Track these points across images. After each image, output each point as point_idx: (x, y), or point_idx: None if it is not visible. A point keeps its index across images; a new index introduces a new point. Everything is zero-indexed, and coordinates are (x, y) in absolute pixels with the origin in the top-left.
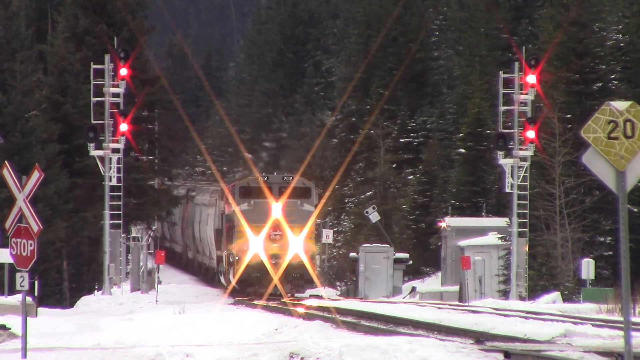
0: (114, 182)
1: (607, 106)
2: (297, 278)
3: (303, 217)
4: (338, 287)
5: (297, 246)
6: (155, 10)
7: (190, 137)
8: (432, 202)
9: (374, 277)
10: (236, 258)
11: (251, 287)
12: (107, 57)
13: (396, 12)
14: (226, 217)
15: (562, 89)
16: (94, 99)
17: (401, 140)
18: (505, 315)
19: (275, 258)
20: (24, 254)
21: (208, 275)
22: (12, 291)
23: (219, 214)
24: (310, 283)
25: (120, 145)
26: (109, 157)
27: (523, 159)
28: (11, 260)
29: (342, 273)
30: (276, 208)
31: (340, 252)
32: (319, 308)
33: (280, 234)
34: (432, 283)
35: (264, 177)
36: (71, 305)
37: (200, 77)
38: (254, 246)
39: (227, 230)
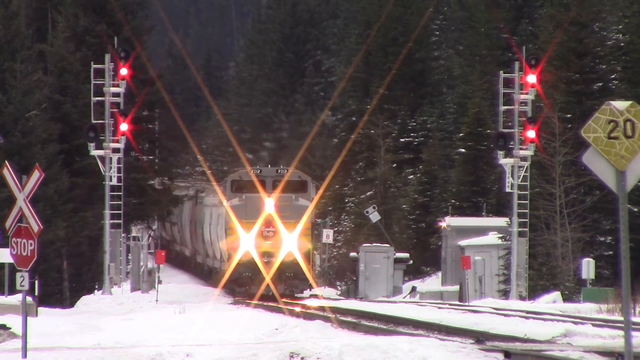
0: (114, 181)
1: (607, 106)
2: (290, 277)
3: (298, 213)
4: (338, 287)
5: (291, 243)
6: (155, 10)
7: (191, 137)
8: (433, 201)
9: (374, 276)
10: (227, 256)
11: (242, 287)
12: (107, 57)
13: (396, 12)
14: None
15: (562, 88)
16: (94, 99)
17: (401, 140)
18: (505, 315)
19: (268, 256)
20: (24, 254)
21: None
22: (12, 291)
23: None
24: (304, 282)
25: (121, 145)
26: (109, 157)
27: (523, 158)
28: (11, 260)
29: (342, 273)
30: (269, 203)
31: (341, 251)
32: (319, 308)
33: (273, 230)
34: (432, 283)
35: (257, 170)
36: (71, 305)
37: (199, 79)
38: (244, 243)
39: None
